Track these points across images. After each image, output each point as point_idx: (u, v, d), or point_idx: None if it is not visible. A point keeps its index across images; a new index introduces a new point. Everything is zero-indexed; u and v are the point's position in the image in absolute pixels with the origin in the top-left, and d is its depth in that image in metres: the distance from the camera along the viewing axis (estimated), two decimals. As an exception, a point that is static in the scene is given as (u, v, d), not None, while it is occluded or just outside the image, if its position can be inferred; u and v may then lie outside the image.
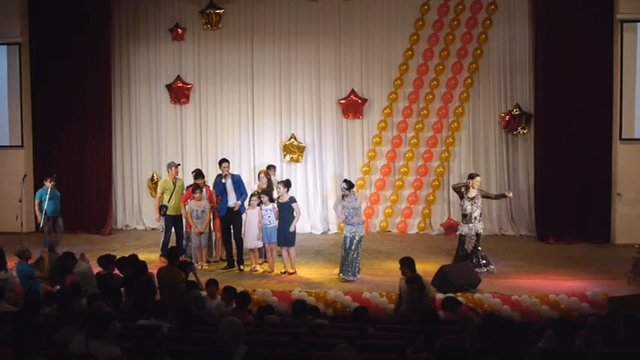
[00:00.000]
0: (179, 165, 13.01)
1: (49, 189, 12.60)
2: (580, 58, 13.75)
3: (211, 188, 12.08)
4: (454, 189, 11.73)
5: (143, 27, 15.70)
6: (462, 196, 11.27)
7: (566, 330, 6.21)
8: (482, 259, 11.26)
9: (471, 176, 11.42)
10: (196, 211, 11.63)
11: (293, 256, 11.40)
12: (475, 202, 11.16)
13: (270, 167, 13.21)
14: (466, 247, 11.19)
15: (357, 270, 10.90)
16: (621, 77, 13.48)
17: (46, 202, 12.46)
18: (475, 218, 11.16)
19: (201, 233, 11.63)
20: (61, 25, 15.17)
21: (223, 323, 5.63)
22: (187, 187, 12.25)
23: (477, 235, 11.20)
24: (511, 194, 12.03)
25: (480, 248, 11.27)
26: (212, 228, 12.09)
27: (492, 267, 11.26)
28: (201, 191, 11.67)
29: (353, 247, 10.81)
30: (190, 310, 7.56)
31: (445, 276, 10.07)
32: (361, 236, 10.90)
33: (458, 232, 11.41)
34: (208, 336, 6.53)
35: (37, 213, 12.68)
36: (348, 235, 10.85)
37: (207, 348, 5.40)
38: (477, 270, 10.88)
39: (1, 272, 9.12)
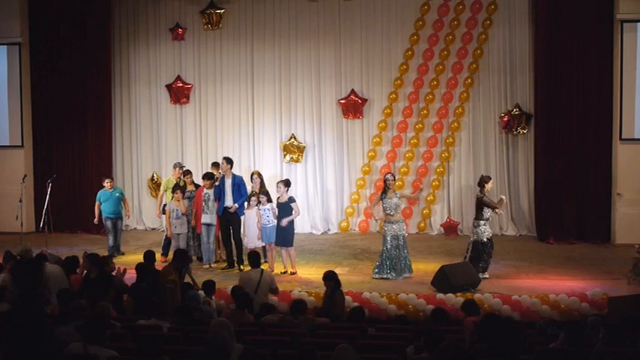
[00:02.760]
0: (183, 167, 12.82)
1: (106, 190, 12.58)
2: (580, 58, 13.74)
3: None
4: (488, 204, 10.83)
5: (143, 27, 15.71)
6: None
7: (577, 332, 6.22)
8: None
9: (486, 180, 11.09)
10: (176, 211, 11.59)
11: (293, 256, 11.38)
12: None
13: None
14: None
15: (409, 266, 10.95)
16: (621, 77, 13.47)
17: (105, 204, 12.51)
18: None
19: (178, 235, 11.55)
20: (61, 25, 15.19)
21: (213, 325, 5.61)
22: (197, 188, 12.16)
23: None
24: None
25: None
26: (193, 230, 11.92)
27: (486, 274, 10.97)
28: (182, 191, 11.68)
29: (402, 244, 10.79)
30: (190, 310, 7.55)
31: (445, 276, 10.07)
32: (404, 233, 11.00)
33: (487, 237, 10.86)
34: (208, 336, 6.52)
35: (96, 213, 12.64)
36: (400, 233, 10.79)
37: (204, 349, 5.39)
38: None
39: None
